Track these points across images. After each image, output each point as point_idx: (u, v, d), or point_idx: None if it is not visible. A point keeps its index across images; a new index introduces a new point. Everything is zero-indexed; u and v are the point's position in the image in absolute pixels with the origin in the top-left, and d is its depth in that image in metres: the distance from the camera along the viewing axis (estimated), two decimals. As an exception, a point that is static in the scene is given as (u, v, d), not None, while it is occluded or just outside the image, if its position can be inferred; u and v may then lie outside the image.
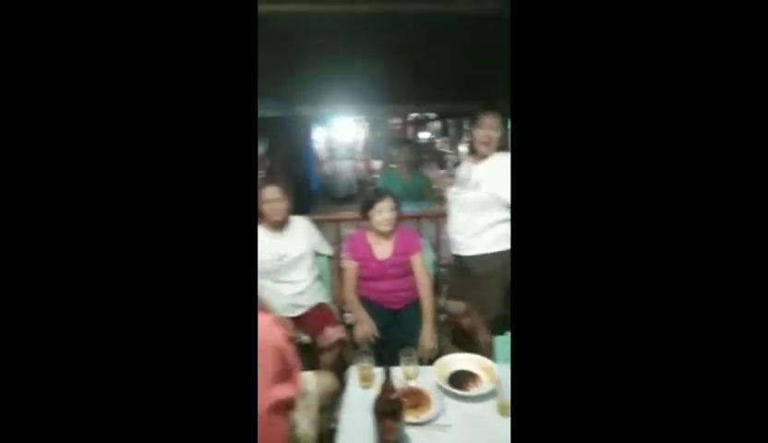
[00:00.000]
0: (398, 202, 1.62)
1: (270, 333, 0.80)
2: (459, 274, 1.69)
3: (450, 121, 6.78)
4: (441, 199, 2.10)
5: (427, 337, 1.56)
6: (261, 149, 5.79)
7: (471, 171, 1.59)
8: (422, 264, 1.66)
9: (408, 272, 1.65)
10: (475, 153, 1.60)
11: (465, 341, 1.95)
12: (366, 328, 1.55)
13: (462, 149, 6.53)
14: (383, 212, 1.57)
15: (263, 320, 0.79)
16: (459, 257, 1.64)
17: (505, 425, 1.03)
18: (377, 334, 1.55)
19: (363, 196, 1.71)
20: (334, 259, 1.80)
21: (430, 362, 1.25)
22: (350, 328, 2.00)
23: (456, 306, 1.78)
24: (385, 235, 1.62)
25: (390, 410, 0.89)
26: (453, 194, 1.63)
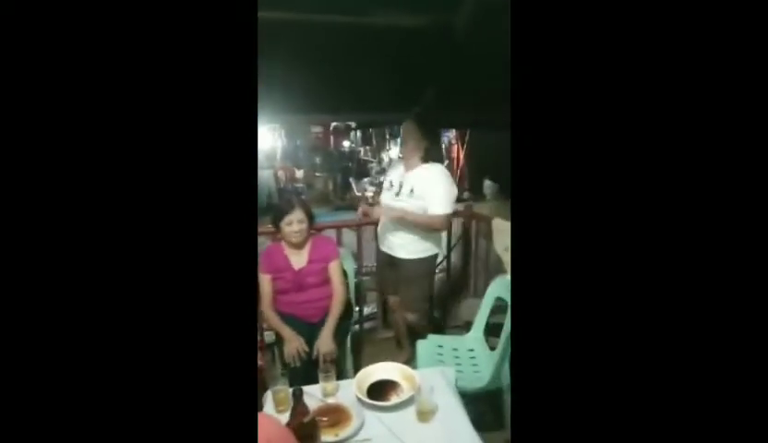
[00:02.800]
0: (310, 213, 1.59)
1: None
2: (389, 270, 1.83)
3: (371, 130, 6.89)
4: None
5: (324, 338, 1.51)
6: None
7: (403, 177, 1.70)
8: (338, 271, 1.64)
9: (325, 281, 1.62)
10: (404, 161, 1.75)
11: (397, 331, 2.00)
12: (294, 344, 1.48)
13: (386, 157, 6.67)
14: (293, 224, 1.54)
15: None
16: (390, 256, 1.77)
17: (424, 431, 1.04)
18: (306, 349, 1.48)
19: (273, 208, 1.64)
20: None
21: (331, 369, 1.22)
22: (269, 347, 1.89)
23: (395, 301, 1.90)
24: (298, 245, 1.59)
25: (303, 434, 0.84)
26: (389, 199, 1.72)
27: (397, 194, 1.70)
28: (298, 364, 1.45)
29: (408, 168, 1.71)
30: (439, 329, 2.19)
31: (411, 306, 1.82)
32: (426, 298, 1.87)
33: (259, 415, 0.70)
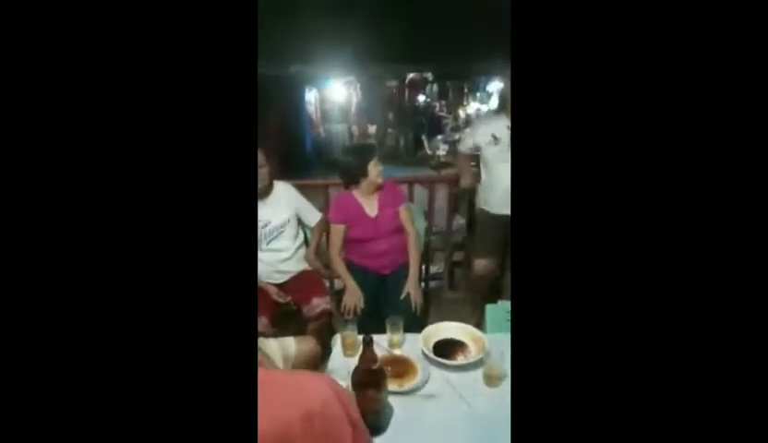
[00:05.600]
0: None
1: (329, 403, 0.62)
2: (492, 231, 1.74)
3: (449, 84, 6.54)
4: (441, 166, 2.07)
5: (413, 283, 1.56)
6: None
7: (505, 128, 1.58)
8: (408, 215, 1.65)
9: (397, 229, 1.62)
10: (505, 110, 1.62)
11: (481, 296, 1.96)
12: (354, 298, 1.52)
13: (462, 113, 6.34)
14: (378, 165, 1.57)
15: (314, 376, 0.67)
16: (495, 216, 1.69)
17: (491, 395, 1.00)
18: (362, 306, 1.51)
19: (352, 154, 1.64)
20: (319, 223, 1.73)
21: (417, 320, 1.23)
22: (338, 294, 1.97)
23: (486, 266, 1.82)
24: (371, 192, 1.60)
25: (369, 380, 0.86)
26: (498, 153, 1.62)
27: (507, 146, 1.57)
28: (351, 316, 1.48)
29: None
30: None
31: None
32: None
33: (314, 375, 0.68)
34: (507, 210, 1.64)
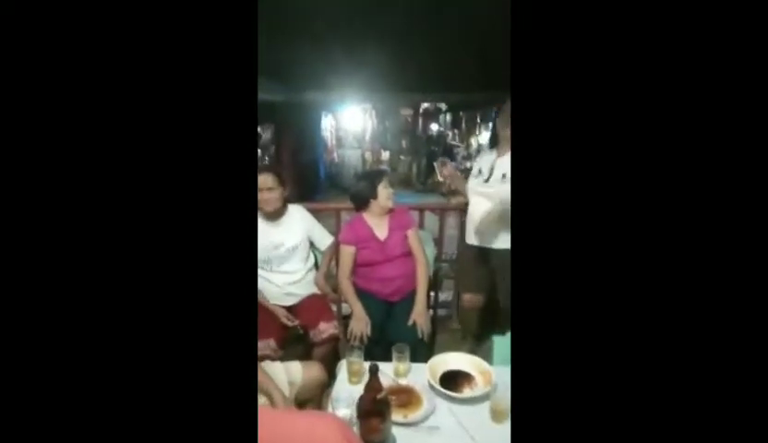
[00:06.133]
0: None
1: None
2: (475, 265, 1.71)
3: (462, 114, 6.66)
4: (451, 193, 2.07)
5: (420, 309, 1.54)
6: (268, 133, 5.75)
7: (494, 163, 1.59)
8: (417, 239, 1.66)
9: (406, 253, 1.63)
10: (497, 146, 1.62)
11: (471, 333, 1.93)
12: (360, 325, 1.50)
13: (474, 142, 6.41)
14: (388, 188, 1.60)
15: (325, 417, 0.69)
16: (480, 249, 1.66)
17: (497, 431, 0.98)
18: (369, 333, 1.50)
19: (363, 178, 1.69)
20: (330, 247, 1.74)
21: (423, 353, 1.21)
22: (345, 319, 1.96)
23: (471, 300, 1.79)
24: (382, 215, 1.62)
25: (374, 410, 0.85)
26: (477, 185, 1.62)
27: (486, 180, 1.60)
28: (358, 344, 1.45)
29: (501, 153, 1.60)
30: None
31: (501, 302, 1.72)
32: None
33: (321, 419, 0.67)
34: (485, 243, 1.64)
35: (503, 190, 1.54)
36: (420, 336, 1.49)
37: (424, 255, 1.66)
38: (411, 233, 1.65)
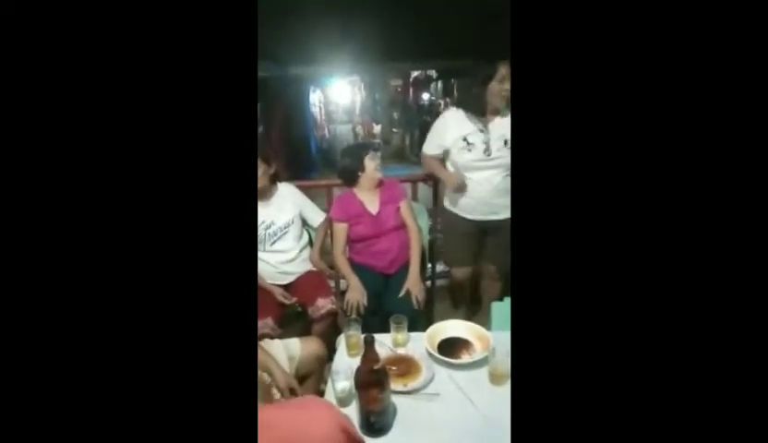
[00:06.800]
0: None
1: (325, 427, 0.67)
2: (471, 238, 1.68)
3: (453, 81, 6.51)
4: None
5: (413, 279, 1.53)
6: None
7: (488, 131, 1.48)
8: (409, 211, 1.64)
9: (400, 225, 1.61)
10: (485, 111, 1.48)
11: (465, 303, 1.95)
12: (356, 295, 1.51)
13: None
14: (375, 160, 1.57)
15: (319, 409, 0.70)
16: (477, 222, 1.61)
17: (497, 393, 0.99)
18: (365, 304, 1.50)
19: (354, 148, 1.69)
20: (323, 224, 1.73)
21: (421, 317, 1.22)
22: (343, 294, 1.97)
23: (462, 273, 1.79)
24: (372, 189, 1.60)
25: (372, 380, 0.85)
26: (478, 161, 1.51)
27: (487, 152, 1.48)
28: (354, 314, 1.45)
29: (492, 116, 1.48)
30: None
31: (498, 275, 1.72)
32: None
33: (317, 409, 0.68)
34: (482, 216, 1.59)
35: (509, 157, 1.44)
36: (415, 305, 1.49)
37: (417, 226, 1.64)
38: (403, 205, 1.63)
